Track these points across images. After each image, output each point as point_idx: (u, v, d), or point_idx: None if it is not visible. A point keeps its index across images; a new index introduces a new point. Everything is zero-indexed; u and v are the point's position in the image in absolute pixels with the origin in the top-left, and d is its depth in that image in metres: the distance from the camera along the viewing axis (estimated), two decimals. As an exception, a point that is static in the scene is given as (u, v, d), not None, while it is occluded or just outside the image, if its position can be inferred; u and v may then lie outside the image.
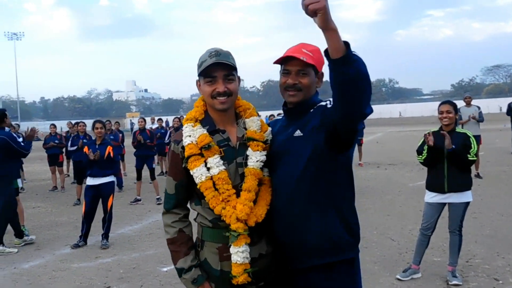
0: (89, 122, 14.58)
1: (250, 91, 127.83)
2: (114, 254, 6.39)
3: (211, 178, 2.09)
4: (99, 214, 7.02)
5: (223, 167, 2.10)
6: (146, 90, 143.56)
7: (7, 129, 6.91)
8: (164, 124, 17.11)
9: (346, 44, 1.80)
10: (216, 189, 2.09)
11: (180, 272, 2.16)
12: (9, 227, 6.99)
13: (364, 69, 1.82)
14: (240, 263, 2.07)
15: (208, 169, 2.10)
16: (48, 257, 6.42)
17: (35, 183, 14.03)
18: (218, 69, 2.07)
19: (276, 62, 2.24)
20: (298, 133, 2.15)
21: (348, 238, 2.17)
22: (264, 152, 2.17)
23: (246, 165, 2.13)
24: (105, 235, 6.88)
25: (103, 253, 6.46)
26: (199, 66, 2.13)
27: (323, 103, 2.16)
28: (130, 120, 62.36)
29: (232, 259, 2.09)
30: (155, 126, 15.29)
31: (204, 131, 2.14)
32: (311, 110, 2.18)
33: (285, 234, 2.16)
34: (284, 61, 2.21)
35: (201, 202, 2.17)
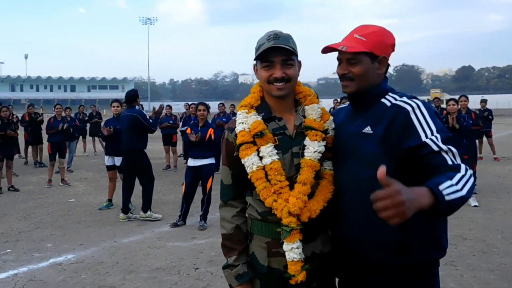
0: (214, 104, 15.35)
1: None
2: (209, 236, 6.54)
3: (264, 168, 1.99)
4: (200, 195, 7.23)
5: (276, 157, 1.99)
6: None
7: (137, 107, 7.73)
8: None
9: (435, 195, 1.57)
10: (268, 180, 1.99)
11: (227, 266, 2.10)
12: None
13: (459, 204, 1.64)
14: (297, 261, 1.96)
15: (261, 158, 2.00)
16: (147, 233, 6.79)
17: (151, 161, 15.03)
18: (276, 53, 1.97)
19: (323, 52, 2.03)
20: (368, 129, 1.96)
21: (432, 249, 1.94)
22: (323, 143, 2.03)
23: (302, 155, 2.01)
24: (203, 216, 7.07)
25: (199, 234, 6.65)
26: (257, 49, 2.02)
27: (405, 104, 1.93)
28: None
29: (287, 256, 1.98)
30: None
31: (258, 118, 2.05)
32: (382, 100, 1.99)
33: (352, 237, 2.00)
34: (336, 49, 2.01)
35: (252, 193, 2.08)
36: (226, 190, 2.15)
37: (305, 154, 2.00)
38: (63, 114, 11.85)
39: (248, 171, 2.02)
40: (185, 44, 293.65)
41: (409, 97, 1.99)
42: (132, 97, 7.65)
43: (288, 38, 2.00)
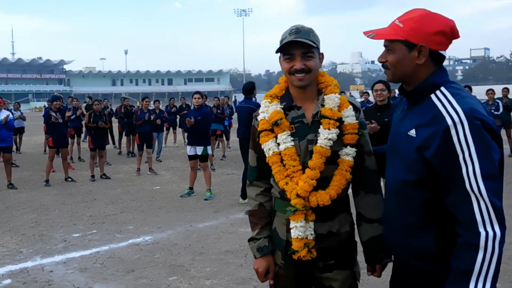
0: None
1: (496, 61, 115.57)
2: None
3: (280, 153, 2.24)
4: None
5: (290, 144, 2.23)
6: (372, 62, 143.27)
7: (253, 99, 8.36)
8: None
9: None
10: (284, 165, 2.24)
11: (251, 239, 2.40)
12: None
13: None
14: (301, 238, 2.20)
15: (278, 144, 2.25)
16: (222, 219, 7.24)
17: (238, 151, 15.63)
18: (296, 46, 2.19)
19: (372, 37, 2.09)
20: (412, 132, 1.95)
21: None
22: (335, 131, 2.20)
23: (316, 142, 2.20)
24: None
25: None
26: (280, 42, 2.25)
27: (446, 114, 1.82)
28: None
29: (292, 233, 2.23)
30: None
31: (277, 107, 2.30)
32: (432, 96, 1.92)
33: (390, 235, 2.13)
34: None
35: (273, 174, 2.33)
36: (251, 172, 2.46)
37: (318, 141, 2.20)
38: (152, 106, 12.79)
39: (266, 156, 2.30)
40: (280, 34, 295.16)
41: (462, 97, 1.86)
42: (249, 89, 8.19)
43: (309, 32, 2.21)
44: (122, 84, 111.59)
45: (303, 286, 2.38)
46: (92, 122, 11.15)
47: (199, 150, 8.85)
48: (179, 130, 18.31)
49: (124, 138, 15.77)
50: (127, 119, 15.08)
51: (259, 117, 2.35)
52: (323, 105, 2.25)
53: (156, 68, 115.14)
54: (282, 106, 2.30)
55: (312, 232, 2.21)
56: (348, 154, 2.23)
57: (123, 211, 7.95)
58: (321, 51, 2.30)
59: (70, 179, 10.81)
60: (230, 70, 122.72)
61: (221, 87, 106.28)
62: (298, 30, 2.19)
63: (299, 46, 2.18)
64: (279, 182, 2.25)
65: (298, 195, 2.17)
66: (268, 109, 2.32)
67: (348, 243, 2.32)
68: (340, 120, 2.23)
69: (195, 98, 9.13)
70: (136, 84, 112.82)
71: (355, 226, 2.37)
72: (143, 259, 5.51)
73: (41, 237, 6.51)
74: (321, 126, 2.21)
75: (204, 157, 8.90)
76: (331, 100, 2.25)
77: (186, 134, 10.14)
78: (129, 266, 5.28)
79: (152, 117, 11.94)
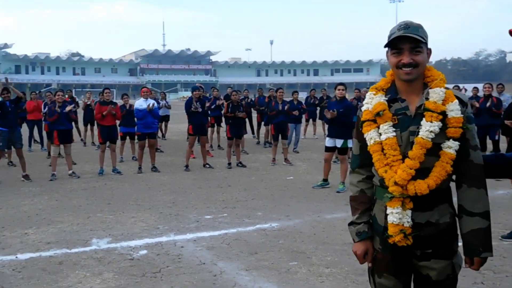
0: (469, 87, 14.69)
1: None
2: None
3: (381, 143, 2.47)
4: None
5: (392, 134, 2.44)
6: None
7: None
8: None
9: None
10: (384, 154, 2.46)
11: (351, 223, 2.65)
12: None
13: None
14: (396, 224, 2.41)
15: (380, 134, 2.48)
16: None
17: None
18: (405, 41, 2.39)
19: None
20: None
21: None
22: (437, 124, 2.36)
23: (417, 134, 2.39)
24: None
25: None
26: (388, 37, 2.48)
27: None
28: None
29: (388, 219, 2.44)
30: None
31: (381, 99, 2.52)
32: None
33: None
34: None
35: (373, 162, 2.56)
36: (354, 159, 2.69)
37: (419, 133, 2.37)
38: (290, 98, 13.33)
39: (368, 144, 2.53)
40: (438, 21, 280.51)
41: None
42: None
43: (417, 28, 2.40)
44: (267, 75, 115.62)
45: (401, 272, 2.55)
46: (230, 112, 11.96)
47: (339, 142, 9.06)
48: (319, 122, 18.69)
49: (263, 128, 16.55)
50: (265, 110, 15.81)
51: (363, 108, 2.58)
52: (427, 99, 2.42)
53: (301, 58, 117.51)
54: (387, 98, 2.51)
55: (409, 220, 2.39)
56: (450, 147, 2.38)
57: (254, 198, 8.50)
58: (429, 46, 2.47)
59: (208, 166, 11.76)
60: (381, 60, 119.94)
61: (371, 78, 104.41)
62: (407, 26, 2.39)
63: (407, 41, 2.38)
64: (378, 170, 2.47)
65: (396, 183, 2.38)
66: (372, 100, 2.54)
67: (447, 234, 2.45)
68: (443, 114, 2.37)
69: (339, 90, 9.32)
70: (281, 75, 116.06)
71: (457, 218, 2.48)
72: (267, 244, 5.92)
73: (177, 216, 7.29)
74: (423, 119, 2.38)
75: (343, 150, 9.11)
76: (436, 93, 2.41)
77: (326, 126, 10.43)
78: (253, 249, 5.72)
79: (286, 107, 12.39)
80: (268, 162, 12.47)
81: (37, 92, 17.20)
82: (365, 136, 2.54)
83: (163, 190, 9.26)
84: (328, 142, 9.28)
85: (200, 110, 11.46)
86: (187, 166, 11.55)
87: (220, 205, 8.00)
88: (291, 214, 7.36)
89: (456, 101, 2.41)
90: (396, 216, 2.39)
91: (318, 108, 18.41)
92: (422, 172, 2.36)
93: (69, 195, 8.89)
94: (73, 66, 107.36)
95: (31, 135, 15.40)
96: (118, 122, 12.08)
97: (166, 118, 18.23)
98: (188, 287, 4.67)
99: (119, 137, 12.17)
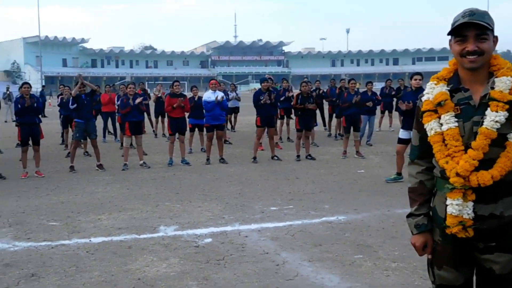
0: None
1: None
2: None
3: (442, 133, 2.49)
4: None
5: (453, 124, 2.45)
6: None
7: None
8: None
9: None
10: (446, 144, 2.49)
11: (410, 215, 2.70)
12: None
13: None
14: (455, 215, 2.43)
15: (441, 125, 2.50)
16: (424, 207, 7.30)
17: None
18: (470, 28, 2.40)
19: None
20: None
21: None
22: (503, 113, 2.36)
23: (481, 124, 2.40)
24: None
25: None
26: (452, 25, 2.49)
27: None
28: None
29: (447, 209, 2.47)
30: None
31: (442, 89, 2.53)
32: None
33: None
34: None
35: (434, 153, 2.59)
36: (413, 150, 2.73)
37: (484, 123, 2.37)
38: (364, 88, 13.25)
39: (428, 135, 2.55)
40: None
41: None
42: None
43: (483, 14, 2.40)
44: (342, 65, 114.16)
45: (462, 265, 2.56)
46: (300, 103, 12.05)
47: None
48: (395, 114, 18.37)
49: (335, 120, 16.51)
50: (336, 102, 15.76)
51: (424, 98, 2.60)
52: (493, 88, 2.41)
53: (380, 47, 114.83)
54: (449, 88, 2.52)
55: (470, 212, 2.40)
56: None
57: (322, 191, 8.58)
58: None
59: (276, 158, 11.94)
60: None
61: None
62: (472, 13, 2.39)
63: (473, 28, 2.38)
64: (439, 160, 2.48)
65: (457, 174, 2.39)
66: (433, 90, 2.56)
67: None
68: (510, 103, 2.36)
69: (415, 80, 9.19)
70: (358, 65, 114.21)
71: None
72: (333, 236, 6.01)
73: (242, 207, 7.53)
74: (488, 109, 2.38)
75: (411, 141, 8.96)
76: (502, 82, 2.40)
77: (401, 118, 10.31)
78: (318, 241, 5.83)
79: (356, 99, 12.29)
80: (338, 155, 12.47)
81: (110, 85, 18.13)
82: (425, 126, 2.56)
83: (230, 181, 9.54)
84: (402, 134, 9.17)
85: (268, 102, 11.65)
86: (254, 158, 11.80)
87: (286, 197, 8.16)
88: (359, 207, 7.39)
89: None
90: (456, 208, 2.41)
91: (395, 99, 18.12)
92: (486, 163, 2.35)
93: (139, 184, 9.39)
94: (146, 59, 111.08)
95: (105, 127, 16.28)
96: (187, 114, 12.51)
97: (235, 110, 18.57)
98: (251, 275, 4.86)
99: (188, 128, 12.59)
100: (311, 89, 13.73)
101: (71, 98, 11.18)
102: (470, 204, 2.40)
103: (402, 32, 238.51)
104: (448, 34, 2.49)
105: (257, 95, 11.93)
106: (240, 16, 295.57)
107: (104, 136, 16.26)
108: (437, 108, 2.51)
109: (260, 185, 9.14)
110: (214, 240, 5.94)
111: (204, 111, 12.09)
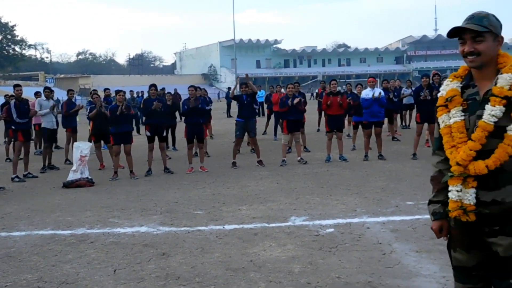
0: None
1: None
2: None
3: (450, 126, 2.82)
4: None
5: (459, 118, 2.78)
6: None
7: None
8: None
9: None
10: (452, 136, 2.82)
11: (429, 202, 3.05)
12: None
13: None
14: (455, 200, 2.74)
15: (450, 118, 2.85)
16: None
17: None
18: (466, 31, 2.73)
19: None
20: None
21: None
22: (499, 108, 2.63)
23: (481, 117, 2.69)
24: None
25: None
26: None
27: None
28: None
29: (449, 195, 2.80)
30: None
31: (454, 86, 2.87)
32: None
33: None
34: None
35: (443, 144, 2.91)
36: (435, 142, 3.03)
37: (483, 117, 2.66)
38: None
39: (440, 127, 2.90)
40: None
41: None
42: None
43: (482, 18, 2.70)
44: None
45: (472, 247, 2.80)
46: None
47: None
48: None
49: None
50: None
51: (439, 94, 2.94)
52: (496, 84, 2.67)
53: None
54: (461, 85, 2.84)
55: (471, 198, 2.67)
56: None
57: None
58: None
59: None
60: None
61: None
62: (472, 17, 2.72)
63: (468, 31, 2.70)
64: (446, 151, 2.81)
65: (457, 163, 2.70)
66: (447, 87, 2.89)
67: None
68: (508, 98, 2.61)
69: None
70: None
71: None
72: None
73: (379, 201, 7.80)
74: (488, 103, 2.65)
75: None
76: (504, 79, 2.66)
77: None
78: (438, 235, 5.89)
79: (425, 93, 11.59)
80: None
81: (281, 85, 19.28)
82: (438, 120, 2.89)
83: (379, 177, 9.79)
84: None
85: (429, 98, 11.50)
86: (414, 154, 11.78)
87: (428, 192, 8.10)
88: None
89: None
90: (455, 194, 2.71)
91: None
92: (486, 154, 2.61)
93: (290, 178, 10.14)
94: (338, 57, 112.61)
95: (276, 125, 17.38)
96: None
97: (411, 107, 18.36)
98: (354, 261, 5.23)
99: (345, 125, 12.98)
100: None
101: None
102: (472, 190, 2.67)
103: None
104: (449, 37, 2.82)
105: (417, 91, 11.89)
106: (440, 8, 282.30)
107: (275, 134, 17.40)
108: (447, 103, 2.83)
109: (407, 181, 9.25)
110: (336, 231, 6.37)
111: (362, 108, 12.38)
